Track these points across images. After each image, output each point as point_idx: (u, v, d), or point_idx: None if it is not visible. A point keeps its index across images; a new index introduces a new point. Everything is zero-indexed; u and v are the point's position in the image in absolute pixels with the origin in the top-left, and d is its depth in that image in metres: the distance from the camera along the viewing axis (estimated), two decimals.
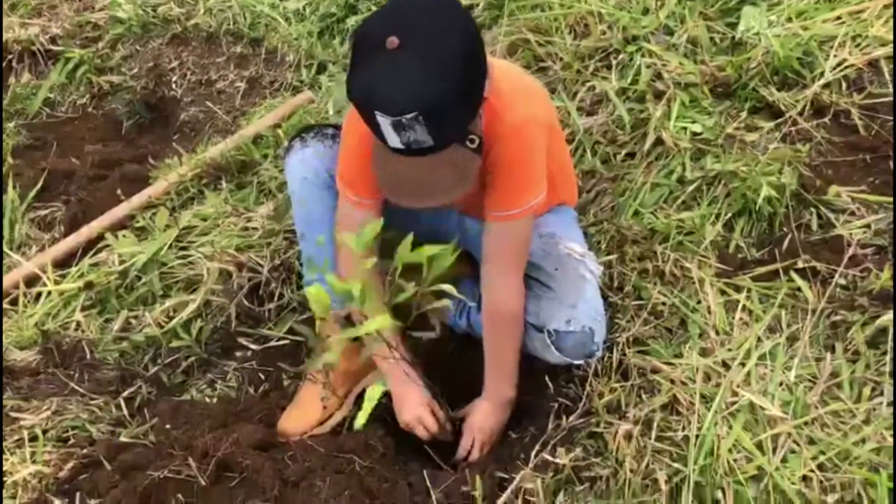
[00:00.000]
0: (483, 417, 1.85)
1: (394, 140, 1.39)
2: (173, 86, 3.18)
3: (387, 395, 2.03)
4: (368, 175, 1.63)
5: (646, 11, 2.47)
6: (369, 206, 1.75)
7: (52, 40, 3.37)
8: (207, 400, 2.06)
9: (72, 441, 1.94)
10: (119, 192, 2.62)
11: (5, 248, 2.53)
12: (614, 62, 2.39)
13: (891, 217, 1.86)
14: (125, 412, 2.03)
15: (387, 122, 1.35)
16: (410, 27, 1.34)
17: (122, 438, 1.91)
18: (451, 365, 2.04)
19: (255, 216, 2.40)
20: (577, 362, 1.78)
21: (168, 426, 1.94)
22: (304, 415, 1.96)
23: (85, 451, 1.90)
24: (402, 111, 1.33)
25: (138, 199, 2.57)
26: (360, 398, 2.06)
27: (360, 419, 1.73)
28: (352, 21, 3.06)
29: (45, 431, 1.95)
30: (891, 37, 2.15)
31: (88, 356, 2.14)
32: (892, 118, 2.02)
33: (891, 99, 2.05)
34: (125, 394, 2.08)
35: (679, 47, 2.35)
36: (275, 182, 2.47)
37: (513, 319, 1.77)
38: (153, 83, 3.18)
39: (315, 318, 2.00)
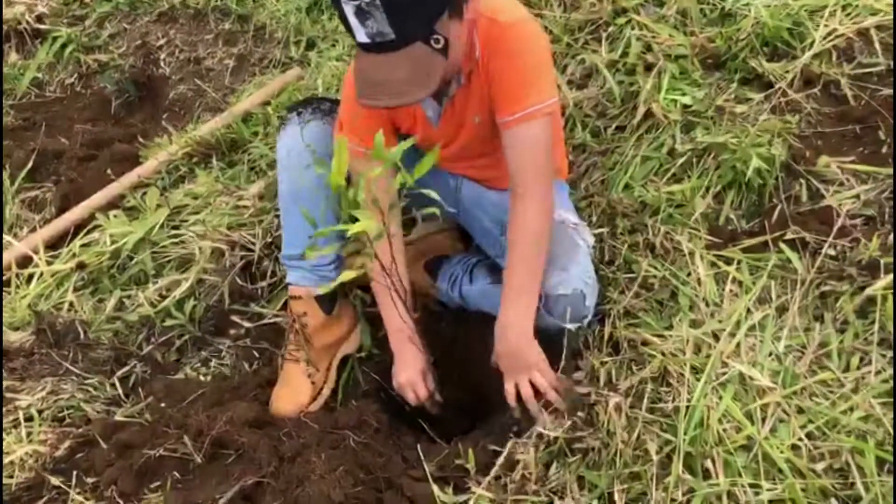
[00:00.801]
0: (504, 349, 1.74)
1: (360, 33, 1.40)
2: (162, 64, 3.16)
3: (382, 374, 2.05)
4: (370, 122, 1.71)
5: None
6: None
7: (39, 19, 3.34)
8: (202, 378, 2.07)
9: (67, 420, 1.96)
10: (109, 171, 2.61)
11: None
12: (604, 35, 2.38)
13: (880, 187, 1.86)
14: (120, 391, 2.04)
15: (350, 9, 1.37)
16: None
17: (118, 417, 1.92)
18: (444, 340, 2.06)
19: (246, 194, 2.39)
20: (568, 326, 1.77)
21: (163, 405, 1.95)
22: (294, 393, 1.98)
23: (80, 430, 1.92)
24: None
25: (129, 178, 2.56)
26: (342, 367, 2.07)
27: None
28: None
29: (40, 411, 1.96)
30: (881, 6, 2.14)
31: (82, 336, 2.14)
32: (881, 88, 2.02)
33: (881, 69, 2.04)
34: (120, 373, 2.09)
35: (669, 19, 2.33)
36: (265, 160, 2.46)
37: (532, 237, 1.69)
38: (141, 61, 3.16)
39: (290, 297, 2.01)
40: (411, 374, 1.87)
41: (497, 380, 1.80)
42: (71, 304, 2.24)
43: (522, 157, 1.66)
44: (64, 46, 3.28)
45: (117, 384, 2.05)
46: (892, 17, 2.10)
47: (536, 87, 1.63)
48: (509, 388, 1.75)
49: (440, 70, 1.46)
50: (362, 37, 1.41)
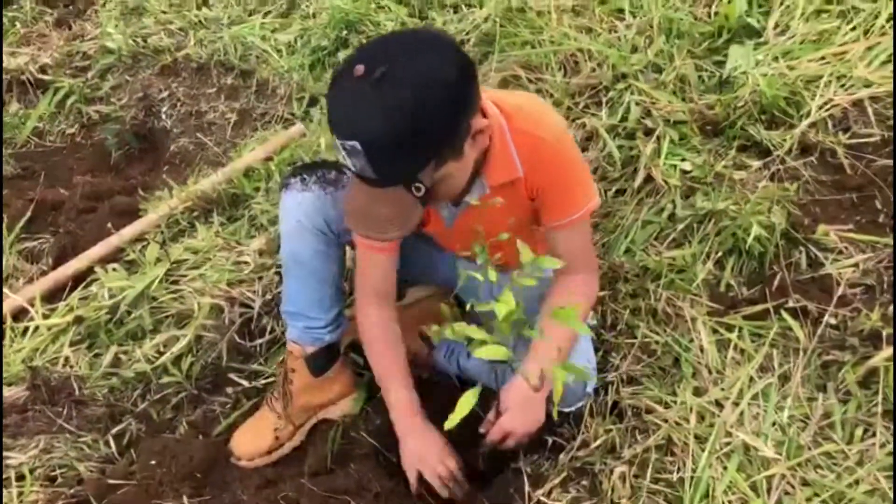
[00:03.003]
0: (523, 400, 1.70)
1: (348, 163, 1.41)
2: (163, 116, 3.18)
3: (379, 436, 2.02)
4: None
5: (634, 49, 2.51)
6: (381, 250, 1.79)
7: (42, 70, 3.36)
8: (200, 437, 2.04)
9: (59, 480, 1.92)
10: (109, 224, 2.61)
11: None
12: (604, 99, 2.42)
13: (879, 256, 1.89)
14: (114, 449, 2.01)
15: (339, 143, 1.38)
16: (384, 61, 1.33)
17: (110, 479, 1.89)
18: (442, 408, 2.02)
19: (246, 250, 2.39)
20: (566, 410, 1.79)
21: (157, 464, 1.92)
22: (255, 438, 1.98)
23: (72, 490, 1.89)
24: (345, 138, 1.35)
25: (128, 231, 2.55)
26: (312, 431, 2.06)
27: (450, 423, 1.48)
28: (343, 54, 3.08)
29: (32, 470, 1.93)
30: (874, 78, 2.19)
31: (77, 392, 2.11)
32: (877, 158, 2.05)
33: (876, 139, 2.08)
34: (114, 431, 2.05)
35: (668, 85, 2.38)
36: (266, 216, 2.46)
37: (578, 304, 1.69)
38: (143, 113, 3.17)
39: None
40: (437, 467, 1.79)
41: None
42: (66, 358, 2.21)
43: (570, 254, 1.68)
44: (66, 97, 3.30)
45: (111, 442, 2.02)
46: (885, 89, 2.15)
47: (583, 192, 1.68)
48: (495, 435, 1.72)
49: (418, 213, 1.46)
50: (350, 166, 1.42)
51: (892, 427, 1.60)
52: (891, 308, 1.77)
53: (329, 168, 1.87)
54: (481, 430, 1.73)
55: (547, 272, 1.78)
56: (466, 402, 1.41)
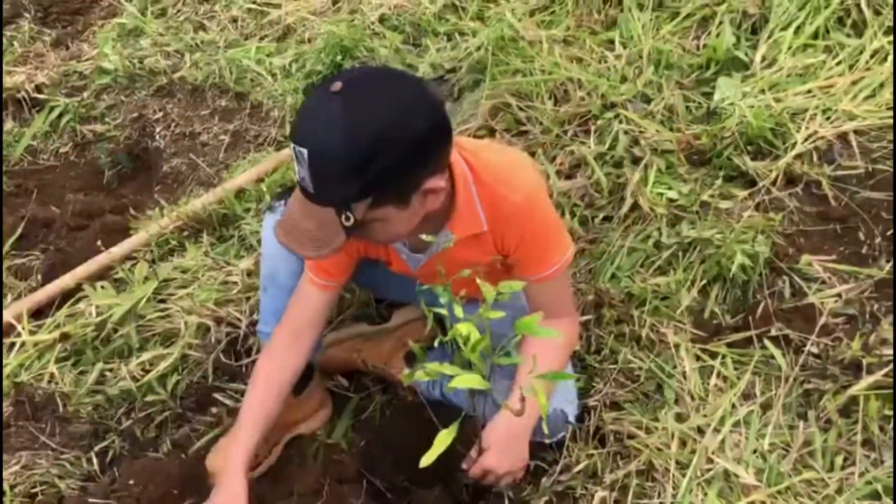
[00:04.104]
0: (506, 440, 1.69)
1: (295, 169, 1.42)
2: (157, 137, 3.19)
3: (364, 459, 2.02)
4: (332, 259, 1.70)
5: (624, 79, 2.55)
6: (324, 288, 1.81)
7: (38, 88, 3.38)
8: (182, 456, 2.03)
9: (40, 497, 1.92)
10: (99, 242, 2.61)
11: None
12: (593, 128, 2.45)
13: (861, 287, 1.91)
14: (96, 467, 2.00)
15: (292, 147, 1.39)
16: (362, 85, 1.37)
17: (91, 497, 1.88)
18: (426, 433, 2.01)
19: (235, 270, 2.40)
20: (548, 441, 1.79)
21: (135, 483, 1.91)
22: None
23: None
24: (298, 142, 1.37)
25: (118, 249, 2.56)
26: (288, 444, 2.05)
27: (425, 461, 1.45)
28: None
29: (13, 486, 1.92)
30: (859, 112, 2.23)
31: (61, 409, 2.11)
32: (860, 190, 2.08)
33: (860, 172, 2.11)
34: (97, 448, 2.05)
35: (656, 115, 2.42)
36: (256, 237, 2.48)
37: (559, 344, 1.69)
38: (137, 133, 3.18)
39: None
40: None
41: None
42: (52, 375, 2.20)
43: (547, 305, 1.68)
44: (60, 116, 3.31)
45: (94, 460, 2.01)
46: (869, 122, 2.19)
47: (556, 246, 1.70)
48: (476, 473, 1.70)
49: (338, 242, 1.44)
50: (296, 174, 1.43)
51: (871, 456, 1.61)
52: (871, 338, 1.78)
53: None
54: (463, 467, 1.72)
55: (521, 299, 1.79)
56: (442, 441, 1.41)
